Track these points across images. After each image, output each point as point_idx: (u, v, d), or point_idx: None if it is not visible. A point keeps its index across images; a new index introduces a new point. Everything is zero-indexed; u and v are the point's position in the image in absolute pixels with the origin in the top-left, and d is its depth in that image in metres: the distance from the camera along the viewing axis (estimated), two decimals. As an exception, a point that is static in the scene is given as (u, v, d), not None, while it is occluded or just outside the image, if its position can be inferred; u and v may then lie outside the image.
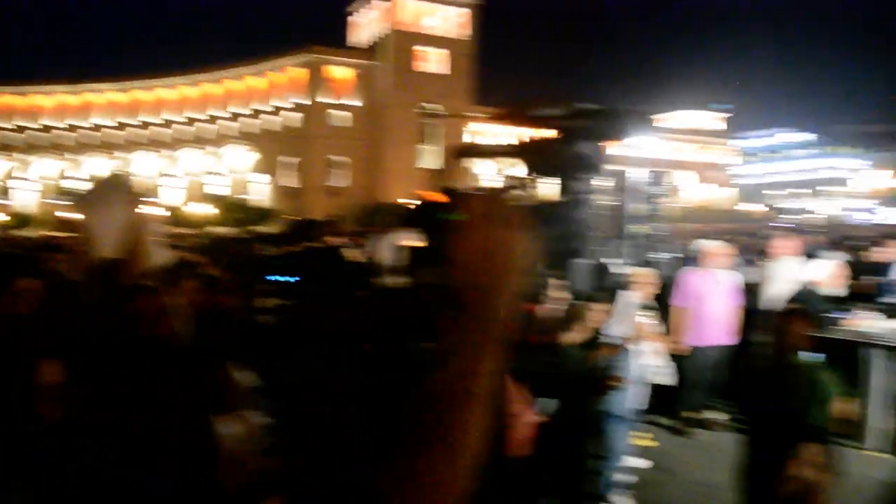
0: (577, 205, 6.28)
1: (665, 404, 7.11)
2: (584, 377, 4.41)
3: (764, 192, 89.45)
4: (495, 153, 16.22)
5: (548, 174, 6.40)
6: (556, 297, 4.96)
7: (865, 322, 6.93)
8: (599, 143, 6.49)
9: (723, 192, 76.94)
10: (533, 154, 6.45)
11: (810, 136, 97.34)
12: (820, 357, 3.89)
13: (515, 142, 6.91)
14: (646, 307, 6.03)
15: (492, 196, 1.02)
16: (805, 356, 3.83)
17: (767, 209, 68.38)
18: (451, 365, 0.96)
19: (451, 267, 0.98)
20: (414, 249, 2.37)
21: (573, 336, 4.48)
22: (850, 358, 6.69)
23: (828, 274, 6.85)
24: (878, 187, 49.62)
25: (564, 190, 6.29)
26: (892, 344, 6.47)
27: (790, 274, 7.27)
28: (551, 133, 6.39)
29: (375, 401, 1.75)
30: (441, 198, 1.73)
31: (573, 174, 6.27)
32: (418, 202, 2.42)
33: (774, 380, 3.81)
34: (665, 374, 6.41)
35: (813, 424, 3.66)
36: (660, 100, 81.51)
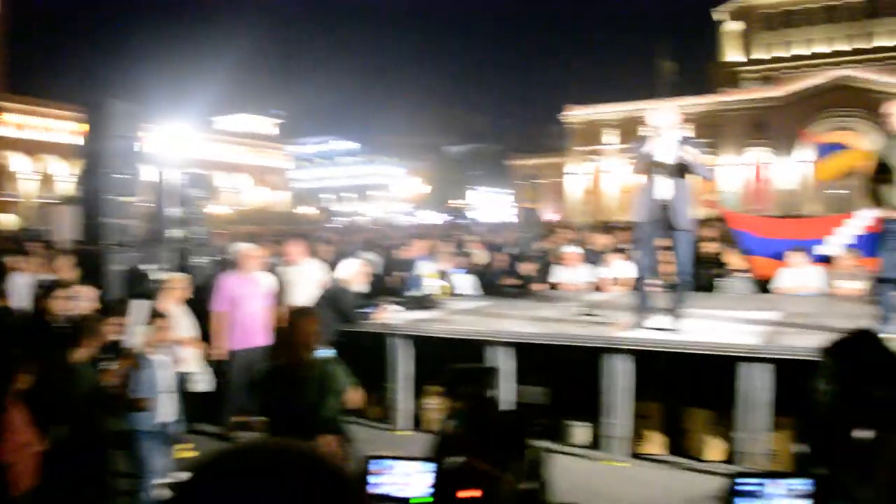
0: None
1: (208, 411, 6.95)
2: (96, 396, 4.00)
3: (320, 195, 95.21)
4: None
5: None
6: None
7: (389, 314, 7.65)
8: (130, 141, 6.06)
9: (279, 196, 79.49)
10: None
11: (355, 145, 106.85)
12: (331, 352, 4.09)
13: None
14: (178, 313, 5.78)
15: None
16: (318, 353, 4.00)
17: (320, 212, 72.82)
18: None
19: None
20: None
21: (83, 352, 4.03)
22: (379, 348, 7.35)
23: (353, 272, 7.36)
24: (412, 192, 56.81)
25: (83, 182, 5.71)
26: (410, 333, 7.24)
27: (311, 276, 7.65)
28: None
29: None
30: None
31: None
32: None
33: (288, 377, 3.90)
34: (203, 381, 6.25)
35: (327, 416, 3.83)
36: (218, 102, 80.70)
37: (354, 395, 4.10)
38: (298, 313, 4.17)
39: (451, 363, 2.92)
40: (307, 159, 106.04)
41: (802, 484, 1.22)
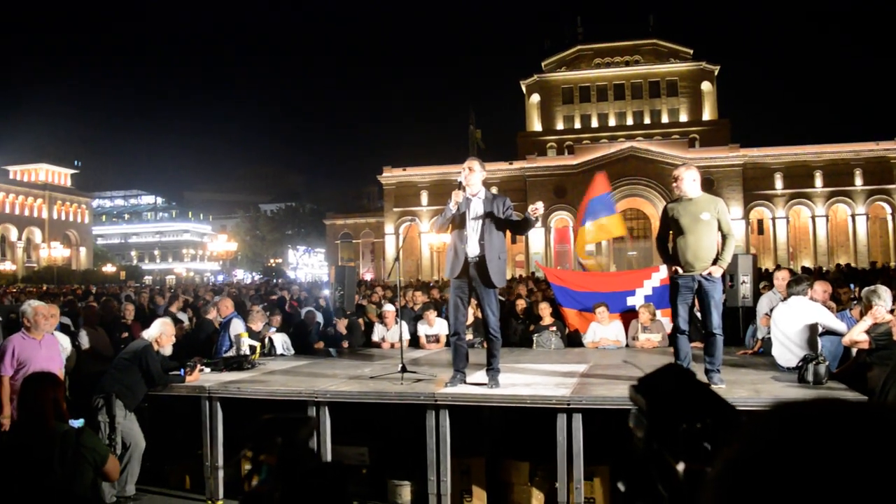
0: None
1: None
2: None
3: (127, 252, 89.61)
4: None
5: None
6: None
7: (201, 377, 7.24)
8: None
9: (78, 252, 73.77)
10: None
11: (159, 200, 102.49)
12: (79, 422, 3.79)
13: None
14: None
15: None
16: (65, 424, 3.68)
17: (122, 269, 68.23)
18: None
19: None
20: None
21: None
22: (192, 413, 6.89)
23: (160, 333, 6.93)
24: (225, 250, 55.06)
25: None
26: (224, 395, 6.86)
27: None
28: None
29: None
30: None
31: None
32: None
33: (37, 450, 3.54)
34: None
35: (82, 492, 3.53)
36: (12, 151, 74.13)
37: (112, 466, 3.77)
38: (32, 380, 3.79)
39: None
40: (111, 213, 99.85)
41: (623, 523, 1.26)
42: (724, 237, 6.14)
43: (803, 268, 34.11)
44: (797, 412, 0.64)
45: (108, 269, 66.45)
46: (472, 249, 6.18)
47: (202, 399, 6.86)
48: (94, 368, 7.36)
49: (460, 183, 6.25)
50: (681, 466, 1.20)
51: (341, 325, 10.10)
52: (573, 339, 9.84)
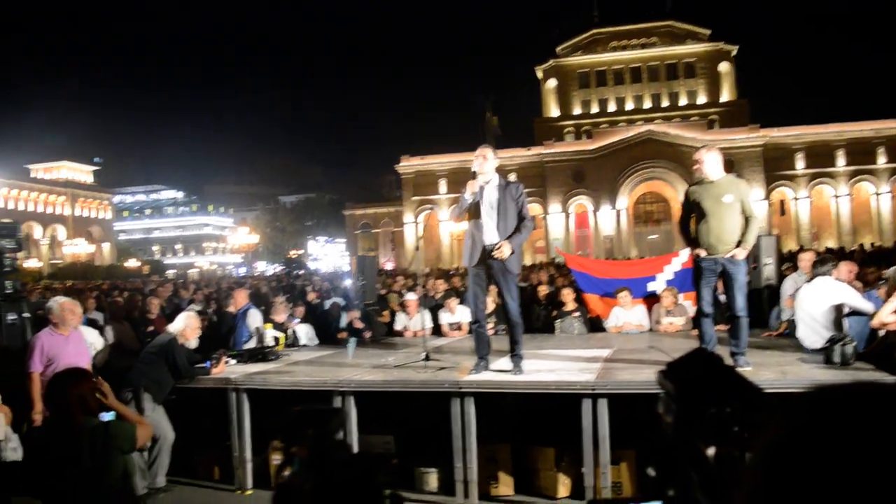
0: None
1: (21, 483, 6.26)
2: None
3: (149, 247, 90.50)
4: None
5: None
6: None
7: (227, 368, 7.32)
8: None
9: (101, 248, 74.61)
10: None
11: (180, 194, 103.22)
12: (110, 415, 3.84)
13: None
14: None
15: None
16: (94, 418, 3.74)
17: (145, 264, 68.91)
18: None
19: None
20: None
21: None
22: (219, 404, 6.98)
23: (185, 326, 7.00)
24: (241, 242, 55.48)
25: None
26: (250, 387, 6.93)
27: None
28: None
29: None
30: None
31: None
32: None
33: (66, 445, 3.62)
34: (14, 450, 5.66)
35: (111, 481, 3.60)
36: (35, 150, 75.06)
37: (142, 434, 3.86)
38: (64, 378, 3.86)
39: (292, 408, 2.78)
40: (132, 209, 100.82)
41: (652, 507, 1.27)
42: (747, 219, 6.09)
43: (827, 248, 33.78)
44: (837, 395, 0.64)
45: (132, 264, 67.12)
46: (489, 237, 6.19)
47: (228, 391, 6.94)
48: (120, 363, 7.47)
49: (475, 172, 6.26)
50: (711, 451, 1.20)
51: (353, 316, 10.05)
52: (595, 325, 9.82)
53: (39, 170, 74.38)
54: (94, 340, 7.22)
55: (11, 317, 7.28)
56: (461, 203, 6.26)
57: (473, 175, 6.26)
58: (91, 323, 8.78)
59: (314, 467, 2.28)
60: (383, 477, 2.19)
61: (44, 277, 48.99)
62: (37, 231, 68.36)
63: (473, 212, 6.25)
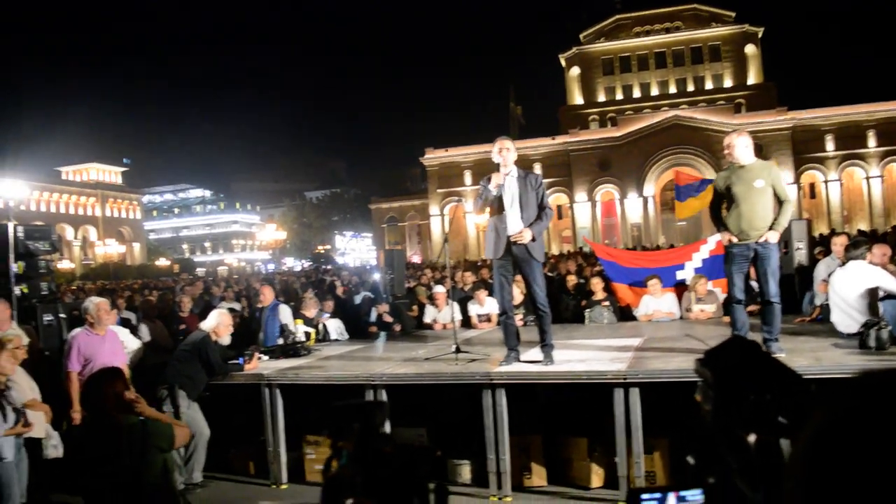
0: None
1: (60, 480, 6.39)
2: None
3: (178, 245, 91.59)
4: None
5: None
6: None
7: (260, 365, 7.40)
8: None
9: (132, 247, 75.65)
10: None
11: (207, 193, 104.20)
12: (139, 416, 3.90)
13: None
14: (17, 374, 5.35)
15: None
16: (133, 416, 3.80)
17: (178, 263, 69.77)
18: None
19: None
20: None
21: None
22: (253, 400, 7.06)
23: (217, 323, 7.08)
24: (269, 239, 55.94)
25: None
26: (283, 382, 7.00)
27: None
28: None
29: None
30: None
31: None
32: None
33: (104, 443, 3.68)
34: (54, 448, 5.78)
35: (152, 481, 3.65)
36: (64, 152, 76.19)
37: (180, 435, 3.92)
38: (100, 377, 3.93)
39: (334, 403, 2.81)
40: (161, 208, 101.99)
41: (693, 495, 1.26)
42: (780, 203, 6.01)
43: (859, 231, 33.18)
44: (882, 380, 0.63)
45: (162, 262, 67.98)
46: (512, 227, 6.19)
47: (262, 386, 7.01)
48: (154, 360, 7.58)
49: (497, 164, 6.28)
50: (752, 438, 1.19)
51: (382, 309, 10.10)
52: (625, 314, 9.76)
53: (69, 172, 75.51)
54: (126, 339, 7.33)
55: (48, 318, 7.42)
56: (484, 194, 6.26)
57: (497, 167, 6.28)
58: (124, 322, 8.93)
59: (361, 460, 2.31)
60: (425, 469, 2.21)
61: (76, 278, 49.78)
62: (69, 232, 69.47)
63: (495, 204, 6.26)
